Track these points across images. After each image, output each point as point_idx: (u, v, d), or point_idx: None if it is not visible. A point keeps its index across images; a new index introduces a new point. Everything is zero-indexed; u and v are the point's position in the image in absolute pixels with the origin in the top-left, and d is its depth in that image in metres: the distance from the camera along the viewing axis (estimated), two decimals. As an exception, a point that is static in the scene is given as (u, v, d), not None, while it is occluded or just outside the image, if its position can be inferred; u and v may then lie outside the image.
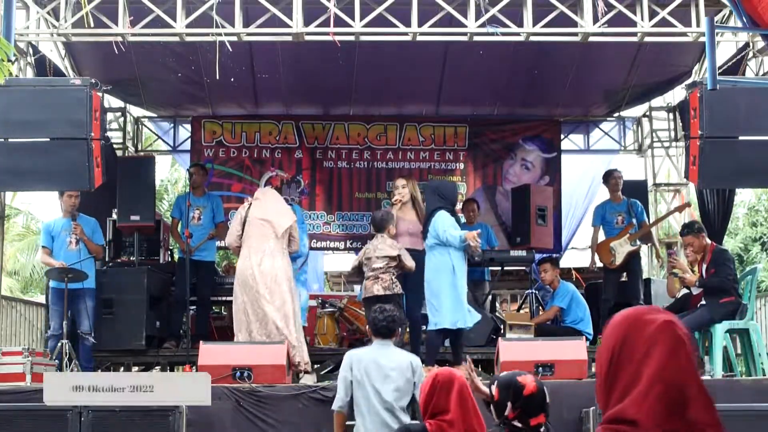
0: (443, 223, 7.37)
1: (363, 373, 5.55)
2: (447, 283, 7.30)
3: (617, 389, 1.85)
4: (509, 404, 3.40)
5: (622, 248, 9.42)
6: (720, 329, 7.53)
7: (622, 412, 1.82)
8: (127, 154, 11.54)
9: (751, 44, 9.15)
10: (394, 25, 7.93)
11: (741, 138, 7.73)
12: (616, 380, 1.86)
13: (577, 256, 12.84)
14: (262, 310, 7.32)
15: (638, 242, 9.59)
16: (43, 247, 8.56)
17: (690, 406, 1.78)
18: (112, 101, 11.44)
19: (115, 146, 11.42)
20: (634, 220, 9.54)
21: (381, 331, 5.70)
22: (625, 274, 9.55)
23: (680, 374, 1.78)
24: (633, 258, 9.48)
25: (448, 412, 4.21)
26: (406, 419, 5.53)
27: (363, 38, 8.08)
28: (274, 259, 7.45)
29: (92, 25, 7.80)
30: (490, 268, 9.93)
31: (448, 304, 7.27)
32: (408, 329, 7.76)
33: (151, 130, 12.40)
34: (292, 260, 8.09)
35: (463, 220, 9.29)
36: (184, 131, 11.99)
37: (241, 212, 7.69)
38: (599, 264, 9.69)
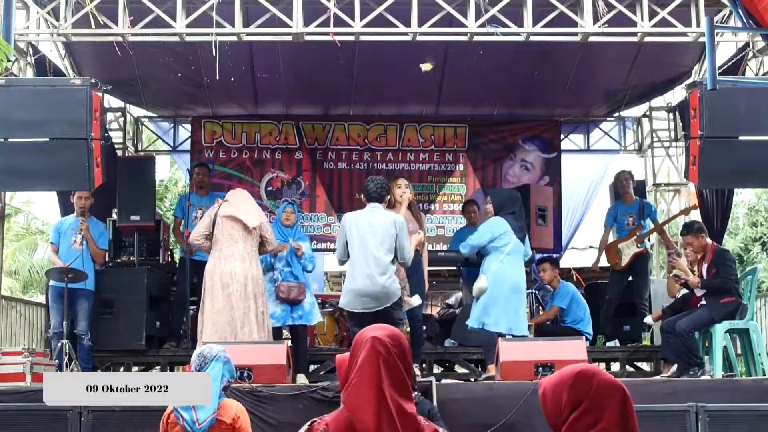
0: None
1: (356, 231, 6.81)
2: None
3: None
4: None
5: (628, 249, 9.41)
6: (720, 329, 7.53)
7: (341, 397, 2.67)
8: (127, 154, 11.54)
9: (751, 44, 9.15)
10: (394, 25, 7.93)
11: (741, 138, 7.72)
12: (348, 378, 2.64)
13: (577, 256, 12.84)
14: (230, 314, 7.28)
15: (646, 243, 9.55)
16: (51, 243, 8.63)
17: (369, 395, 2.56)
18: (112, 101, 11.44)
19: (115, 146, 11.43)
20: (644, 222, 9.51)
21: (373, 196, 6.96)
22: (631, 275, 9.53)
23: (370, 375, 2.54)
24: (639, 259, 9.44)
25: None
26: (390, 267, 6.74)
27: (363, 38, 8.08)
28: (244, 263, 7.41)
29: (93, 26, 7.78)
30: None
31: None
32: (408, 327, 7.75)
33: (151, 130, 12.40)
34: (304, 270, 8.10)
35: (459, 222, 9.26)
36: (184, 131, 11.99)
37: (211, 213, 7.65)
38: (604, 263, 9.67)
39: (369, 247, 6.76)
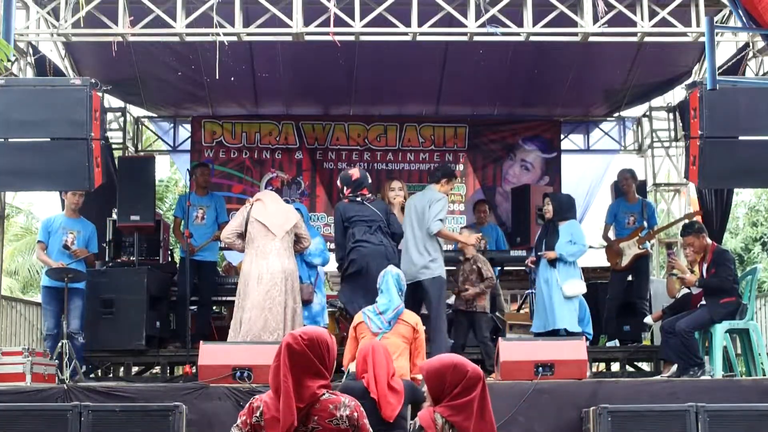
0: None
1: (408, 211, 7.75)
2: None
3: None
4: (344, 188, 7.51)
5: (630, 250, 9.39)
6: (720, 329, 7.54)
7: None
8: (127, 154, 11.54)
9: (751, 44, 9.15)
10: (394, 25, 7.93)
11: (741, 138, 7.71)
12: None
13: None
14: (268, 311, 7.27)
15: (647, 245, 9.54)
16: (39, 241, 8.57)
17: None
18: (112, 101, 11.45)
19: (114, 146, 11.43)
20: (646, 223, 9.50)
21: (432, 177, 7.92)
22: (631, 274, 9.52)
23: (279, 360, 3.29)
24: (640, 259, 9.44)
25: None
26: (428, 243, 7.53)
27: (363, 38, 8.07)
28: (281, 259, 7.40)
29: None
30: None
31: None
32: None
33: (151, 130, 12.41)
34: (313, 264, 8.12)
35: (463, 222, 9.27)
36: (184, 131, 12.00)
37: (243, 212, 7.64)
38: (605, 264, 9.69)
39: (412, 225, 7.63)
